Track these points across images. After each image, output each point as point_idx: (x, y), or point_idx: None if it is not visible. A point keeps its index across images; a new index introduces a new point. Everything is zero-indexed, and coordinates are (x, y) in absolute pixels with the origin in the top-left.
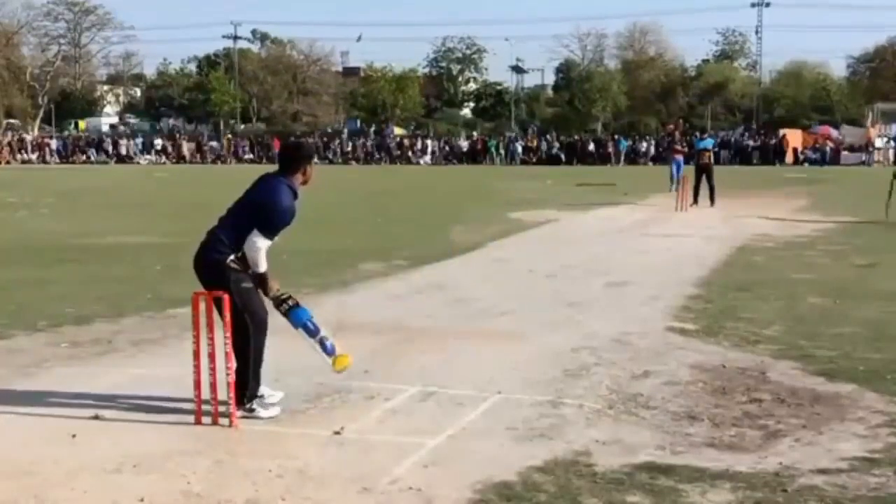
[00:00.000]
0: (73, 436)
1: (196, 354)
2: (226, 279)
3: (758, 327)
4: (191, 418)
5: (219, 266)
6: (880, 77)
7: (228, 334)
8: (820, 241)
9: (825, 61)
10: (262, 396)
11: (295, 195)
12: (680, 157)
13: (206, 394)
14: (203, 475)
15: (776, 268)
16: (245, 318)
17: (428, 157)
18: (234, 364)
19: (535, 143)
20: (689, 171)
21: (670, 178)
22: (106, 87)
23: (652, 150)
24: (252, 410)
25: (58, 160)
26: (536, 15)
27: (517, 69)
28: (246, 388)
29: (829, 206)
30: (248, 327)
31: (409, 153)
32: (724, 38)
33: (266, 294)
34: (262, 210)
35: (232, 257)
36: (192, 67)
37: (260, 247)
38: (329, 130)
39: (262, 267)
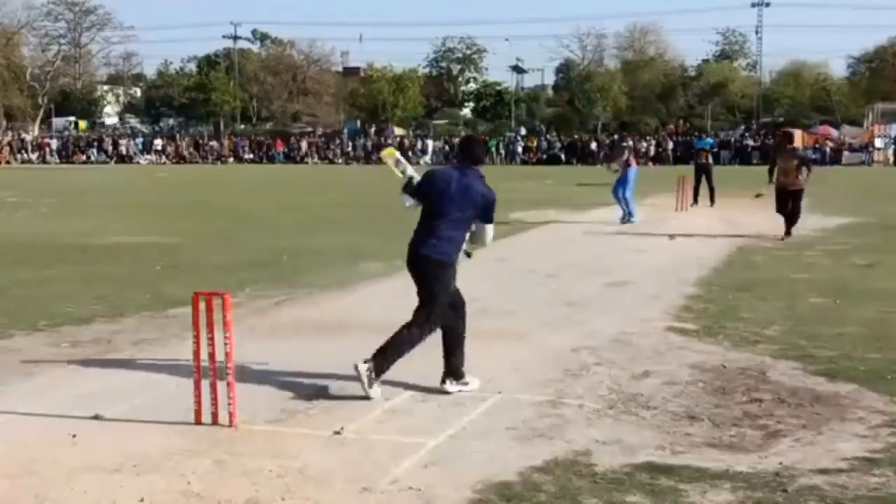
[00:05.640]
0: (73, 436)
1: (196, 354)
2: (448, 276)
3: (758, 327)
4: (191, 418)
5: (447, 266)
6: (880, 77)
7: (229, 334)
8: (820, 241)
9: (825, 61)
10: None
11: None
12: (630, 170)
13: (206, 394)
14: (203, 475)
15: (776, 268)
16: (437, 309)
17: (428, 157)
18: (233, 364)
19: (535, 143)
20: (688, 171)
21: (625, 208)
22: (106, 87)
23: (652, 150)
24: (466, 383)
25: (58, 160)
26: (536, 15)
27: (517, 69)
28: (459, 364)
29: (829, 206)
30: (464, 313)
31: (410, 153)
32: (724, 38)
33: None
34: (490, 207)
35: (454, 258)
36: (193, 67)
37: (491, 230)
38: (329, 130)
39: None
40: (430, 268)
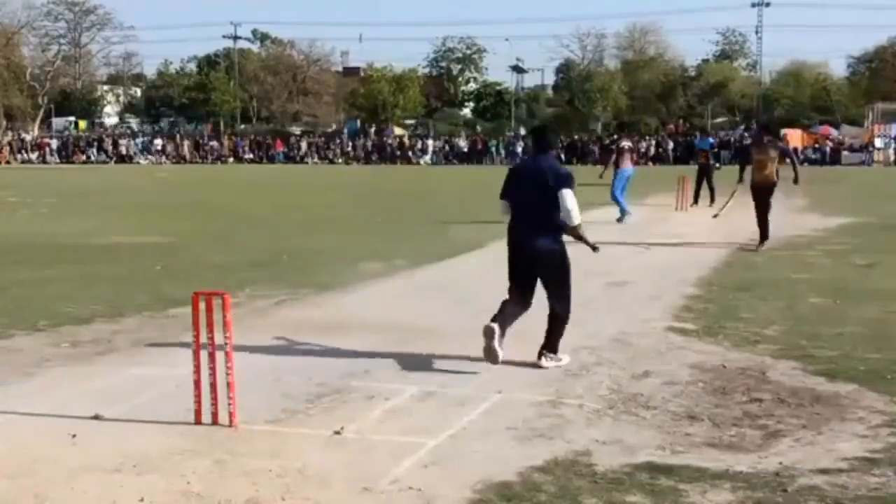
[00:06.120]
0: (73, 436)
1: (196, 354)
2: (565, 258)
3: (758, 327)
4: (191, 418)
5: (563, 252)
6: (880, 77)
7: (229, 334)
8: (820, 241)
9: (825, 61)
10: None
11: None
12: (622, 170)
13: (206, 394)
14: (203, 475)
15: (776, 268)
16: (569, 285)
17: (428, 157)
18: (234, 363)
19: None
20: (688, 171)
21: (620, 206)
22: (106, 87)
23: (652, 150)
24: (560, 360)
25: (58, 160)
26: (536, 15)
27: (517, 69)
28: (558, 339)
29: (828, 206)
30: (569, 292)
31: (409, 153)
32: (724, 38)
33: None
34: (560, 176)
35: (561, 238)
36: (193, 67)
37: (569, 195)
38: (329, 130)
39: (578, 218)
40: (548, 260)
